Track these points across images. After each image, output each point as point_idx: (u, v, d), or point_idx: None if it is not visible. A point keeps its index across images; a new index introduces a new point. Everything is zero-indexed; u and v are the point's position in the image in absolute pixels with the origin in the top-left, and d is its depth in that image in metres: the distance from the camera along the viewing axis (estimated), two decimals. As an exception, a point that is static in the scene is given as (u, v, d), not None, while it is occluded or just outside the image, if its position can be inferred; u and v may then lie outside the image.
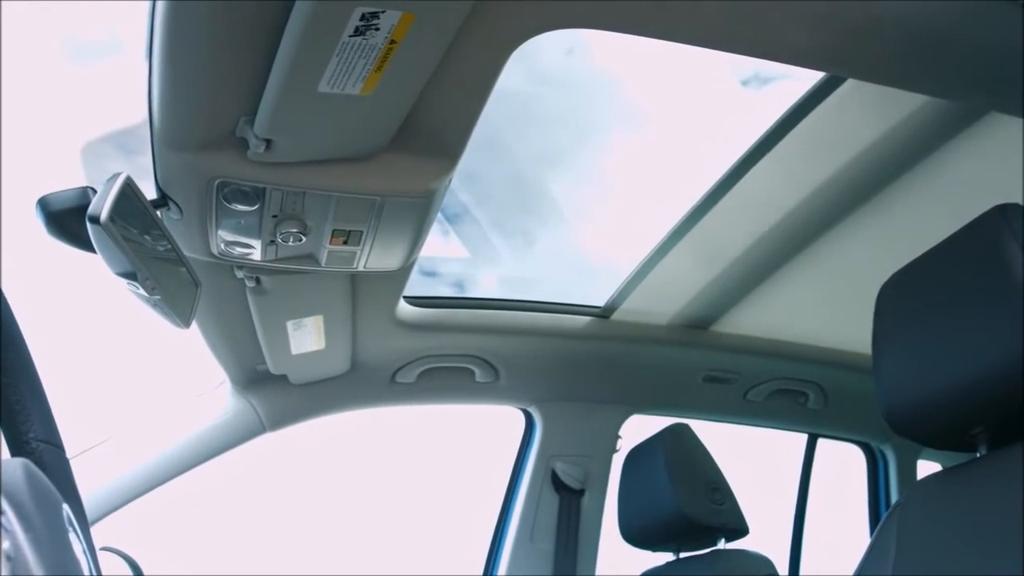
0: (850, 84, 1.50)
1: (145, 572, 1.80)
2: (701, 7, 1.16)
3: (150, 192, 1.33)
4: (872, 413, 1.29)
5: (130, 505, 1.95)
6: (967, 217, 1.23)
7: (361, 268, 1.58)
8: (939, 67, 1.29)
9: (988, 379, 1.12)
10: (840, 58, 1.28)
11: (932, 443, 1.30)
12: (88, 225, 1.05)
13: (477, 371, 2.33)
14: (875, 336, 1.33)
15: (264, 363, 1.97)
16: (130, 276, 1.14)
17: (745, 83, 1.90)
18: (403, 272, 1.72)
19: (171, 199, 1.34)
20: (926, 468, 2.99)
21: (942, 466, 1.86)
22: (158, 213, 1.29)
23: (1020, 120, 1.47)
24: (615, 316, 2.32)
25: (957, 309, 1.18)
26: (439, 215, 2.05)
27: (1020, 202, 1.17)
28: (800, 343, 2.50)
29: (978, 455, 1.24)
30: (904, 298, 1.30)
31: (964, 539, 1.16)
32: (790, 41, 1.24)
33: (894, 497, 2.92)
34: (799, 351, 2.51)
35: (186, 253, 1.37)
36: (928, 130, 1.62)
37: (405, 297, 2.00)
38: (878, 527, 1.34)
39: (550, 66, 1.82)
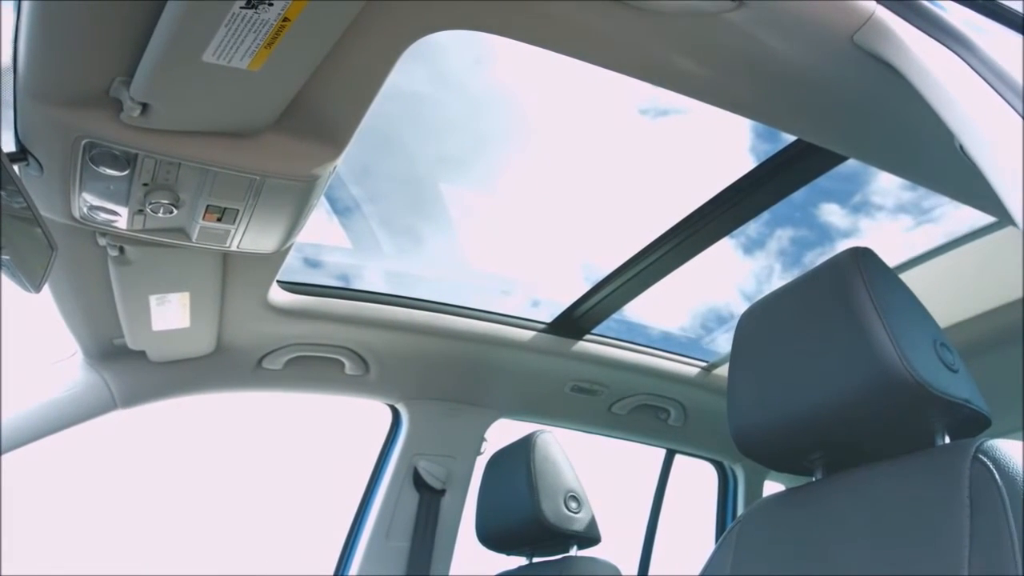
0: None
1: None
2: (585, 22, 1.17)
3: (8, 144, 1.25)
4: (727, 434, 1.35)
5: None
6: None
7: (234, 248, 1.53)
8: (806, 110, 1.36)
9: (827, 409, 1.19)
10: (719, 92, 1.34)
11: (774, 465, 1.39)
12: (-69, 172, 0.98)
13: (347, 363, 2.29)
14: (731, 361, 1.40)
15: (121, 337, 1.88)
16: (-25, 232, 1.07)
17: (643, 112, 1.95)
18: (278, 256, 1.67)
19: (31, 154, 1.25)
20: (774, 488, 3.15)
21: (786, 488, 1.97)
22: (15, 168, 1.21)
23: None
24: (490, 319, 2.34)
25: (806, 341, 1.25)
26: (327, 205, 2.02)
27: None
28: (665, 360, 2.59)
29: (815, 479, 1.33)
30: (760, 327, 1.37)
31: (794, 551, 1.25)
32: (672, 68, 1.27)
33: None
34: (664, 368, 2.60)
35: (44, 214, 1.29)
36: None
37: (279, 282, 1.95)
38: (721, 538, 1.41)
39: (457, 73, 1.82)
